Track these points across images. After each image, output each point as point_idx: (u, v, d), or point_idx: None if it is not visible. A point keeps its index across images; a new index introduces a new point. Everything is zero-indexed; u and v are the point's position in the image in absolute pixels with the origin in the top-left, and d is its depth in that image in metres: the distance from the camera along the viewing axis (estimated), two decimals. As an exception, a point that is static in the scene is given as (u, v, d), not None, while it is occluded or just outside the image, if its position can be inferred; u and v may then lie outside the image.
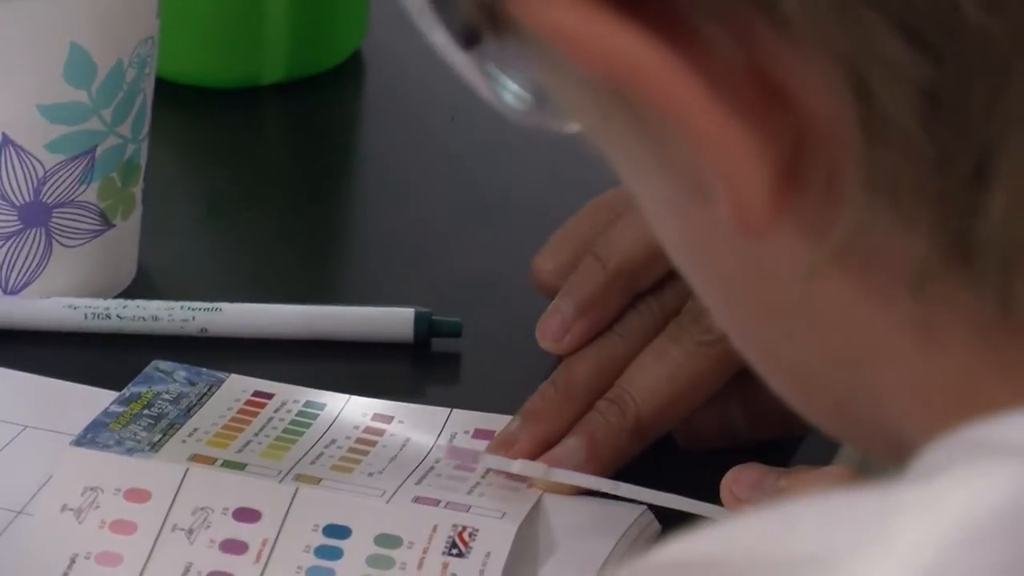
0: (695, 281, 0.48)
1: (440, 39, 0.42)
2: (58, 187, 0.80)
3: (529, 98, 0.45)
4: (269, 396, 0.73)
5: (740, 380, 0.75)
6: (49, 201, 0.79)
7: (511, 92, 0.45)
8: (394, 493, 0.69)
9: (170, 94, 0.85)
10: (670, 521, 0.70)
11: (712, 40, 0.38)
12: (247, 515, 0.68)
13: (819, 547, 0.36)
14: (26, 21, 0.77)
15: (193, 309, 0.78)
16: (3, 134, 0.77)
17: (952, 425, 0.40)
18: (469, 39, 0.42)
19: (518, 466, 0.71)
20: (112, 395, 0.73)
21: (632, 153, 0.43)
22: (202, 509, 0.68)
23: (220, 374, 0.75)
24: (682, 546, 0.38)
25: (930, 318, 0.40)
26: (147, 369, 0.73)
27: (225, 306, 0.78)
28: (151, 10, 0.79)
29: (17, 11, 0.77)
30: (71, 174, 0.78)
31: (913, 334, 0.41)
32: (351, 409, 0.73)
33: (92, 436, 0.69)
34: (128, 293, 0.81)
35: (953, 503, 0.36)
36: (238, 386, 0.74)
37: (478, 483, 0.70)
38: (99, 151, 0.78)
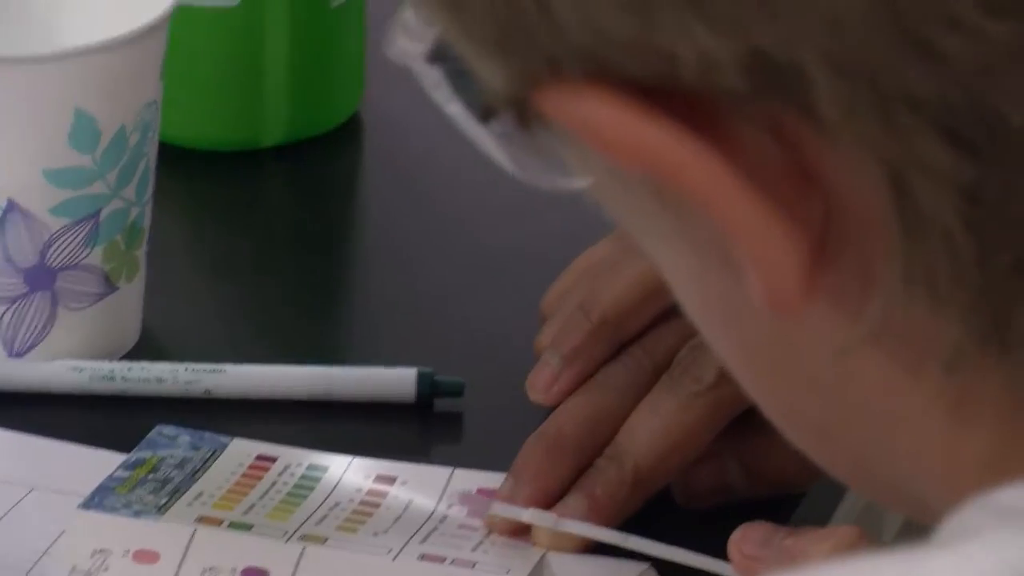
0: (716, 344, 0.47)
1: (455, 111, 0.43)
2: (63, 250, 0.79)
3: (543, 163, 0.44)
4: (272, 459, 0.74)
5: (736, 437, 0.75)
6: (54, 264, 0.78)
7: (524, 157, 0.44)
8: (400, 551, 0.69)
9: (172, 157, 0.85)
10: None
11: (745, 133, 0.39)
12: (255, 574, 0.69)
13: None
14: (32, 87, 0.78)
15: (197, 371, 0.78)
16: (8, 199, 0.77)
17: (980, 492, 0.41)
18: (488, 114, 0.42)
19: (528, 515, 0.71)
20: (118, 456, 0.73)
21: (657, 228, 0.43)
22: (211, 569, 0.68)
23: (223, 438, 0.75)
24: None
25: (961, 393, 0.41)
26: (151, 435, 0.74)
27: (229, 368, 0.78)
28: (155, 74, 0.80)
29: (24, 76, 0.78)
30: (76, 237, 0.78)
31: (943, 406, 0.42)
32: (354, 471, 0.74)
33: (100, 499, 0.70)
34: (132, 355, 0.81)
35: (981, 570, 0.36)
36: (242, 450, 0.74)
37: (482, 541, 0.71)
38: (103, 214, 0.78)
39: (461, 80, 0.43)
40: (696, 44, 0.38)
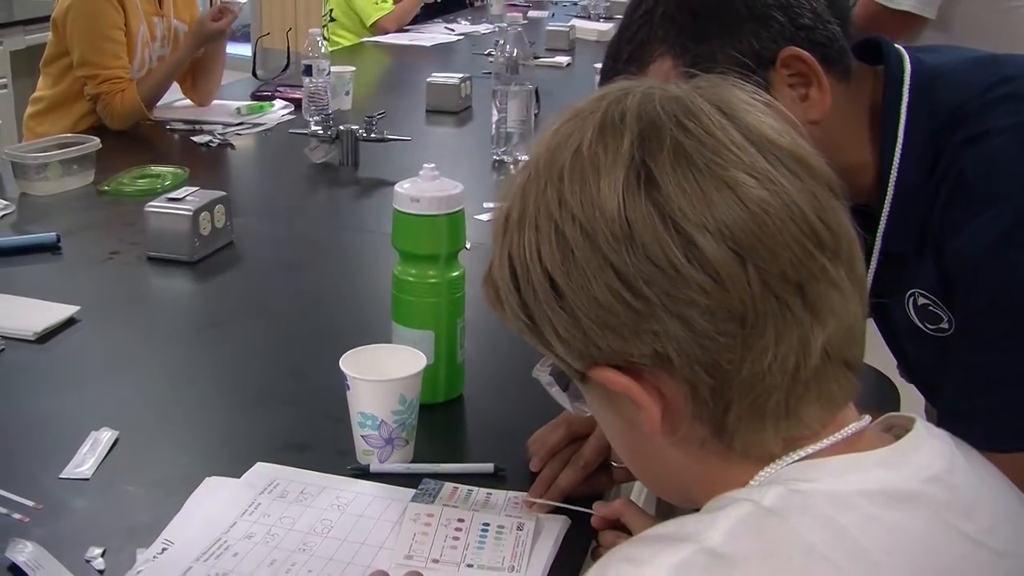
0: (621, 452, 0.98)
1: (555, 391, 1.03)
2: (395, 434, 1.59)
3: (581, 403, 1.00)
4: (457, 488, 1.56)
5: (598, 471, 1.49)
6: (392, 437, 1.60)
7: (575, 403, 1.02)
8: (501, 510, 1.49)
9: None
10: (575, 520, 1.45)
11: (647, 375, 0.86)
12: (459, 521, 1.46)
13: (692, 528, 0.83)
14: (383, 390, 1.56)
15: (433, 465, 1.60)
16: (381, 419, 1.56)
17: (710, 490, 0.88)
18: (565, 386, 1.01)
19: (537, 503, 1.48)
20: (411, 490, 1.54)
21: (610, 416, 0.94)
22: (447, 519, 1.47)
23: (440, 482, 1.55)
24: (652, 530, 0.82)
25: (704, 453, 0.89)
26: (421, 483, 1.56)
27: (441, 465, 1.61)
28: (420, 382, 1.60)
29: (382, 385, 1.56)
30: (399, 431, 1.60)
31: (698, 458, 0.90)
32: (480, 492, 1.54)
33: (414, 499, 1.52)
34: (413, 461, 1.62)
35: (731, 514, 0.83)
36: (447, 486, 1.55)
37: (523, 512, 1.48)
38: (406, 423, 1.62)
39: (559, 380, 0.99)
40: (641, 351, 0.84)
